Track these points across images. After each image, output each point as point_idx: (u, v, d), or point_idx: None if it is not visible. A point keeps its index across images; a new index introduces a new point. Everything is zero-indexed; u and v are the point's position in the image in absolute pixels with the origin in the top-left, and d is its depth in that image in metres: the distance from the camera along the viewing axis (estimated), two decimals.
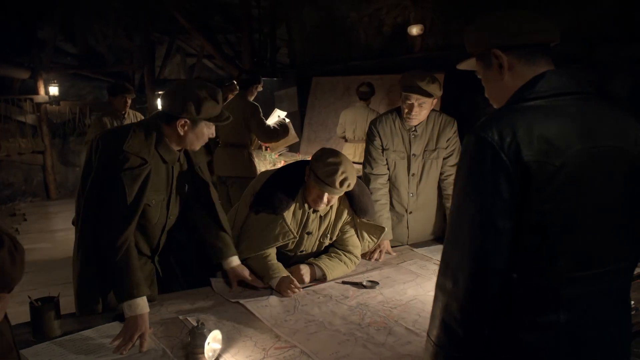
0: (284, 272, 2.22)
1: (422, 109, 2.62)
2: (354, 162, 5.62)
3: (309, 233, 2.36)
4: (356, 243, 2.46)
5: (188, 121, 1.97)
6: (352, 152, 5.89)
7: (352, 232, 2.44)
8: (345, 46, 7.45)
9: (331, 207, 2.34)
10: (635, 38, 4.09)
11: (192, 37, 8.77)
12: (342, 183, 2.14)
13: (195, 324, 1.85)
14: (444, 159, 2.76)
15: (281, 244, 2.29)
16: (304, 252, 2.41)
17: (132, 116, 5.19)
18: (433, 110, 2.71)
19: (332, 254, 2.41)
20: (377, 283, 2.25)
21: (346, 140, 6.01)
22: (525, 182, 1.07)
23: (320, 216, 2.35)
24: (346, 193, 2.30)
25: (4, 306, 1.22)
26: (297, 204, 2.30)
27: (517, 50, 1.20)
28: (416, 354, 1.67)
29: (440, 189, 2.84)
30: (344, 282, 2.28)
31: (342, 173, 2.13)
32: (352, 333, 1.81)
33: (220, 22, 8.67)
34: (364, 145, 5.69)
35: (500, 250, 1.09)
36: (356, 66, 7.12)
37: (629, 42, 4.17)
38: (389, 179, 2.79)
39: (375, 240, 2.53)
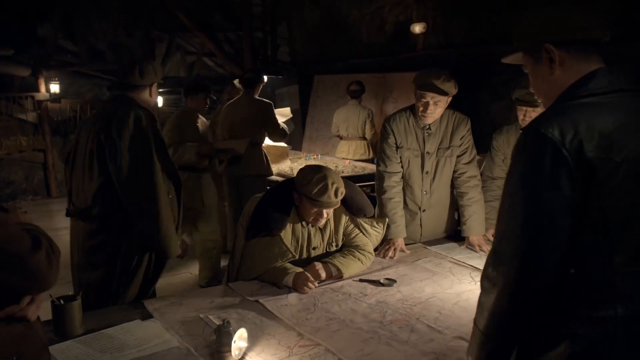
0: (298, 269, 2.23)
1: (437, 107, 2.63)
2: (349, 159, 5.74)
3: (314, 248, 2.38)
4: (365, 240, 2.47)
5: (156, 84, 2.58)
6: (347, 150, 6.03)
7: (356, 231, 2.46)
8: (346, 44, 7.45)
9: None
10: (636, 37, 4.12)
11: (193, 35, 8.75)
12: (336, 194, 2.20)
13: (219, 322, 1.86)
14: (458, 156, 2.78)
15: (280, 264, 2.27)
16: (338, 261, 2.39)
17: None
18: (446, 108, 2.72)
19: (346, 252, 2.41)
20: (394, 281, 2.26)
21: (341, 138, 6.13)
22: (586, 178, 1.08)
23: (320, 228, 2.38)
24: None
25: (38, 306, 1.22)
26: (295, 223, 2.32)
27: (569, 45, 1.20)
28: (440, 351, 1.68)
29: (453, 187, 2.86)
30: (361, 280, 2.29)
31: (333, 184, 2.18)
32: (375, 331, 1.82)
33: (220, 20, 8.65)
34: (358, 142, 5.87)
35: (556, 247, 1.11)
36: (358, 64, 7.12)
37: (630, 41, 4.19)
38: (402, 177, 2.81)
39: (380, 230, 2.53)
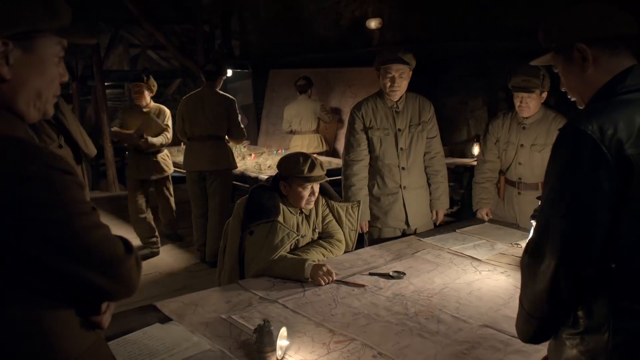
0: (312, 261, 2.29)
1: (402, 80, 2.83)
2: (315, 154, 5.85)
3: (303, 236, 2.50)
4: (336, 227, 2.62)
5: None
6: (300, 144, 6.05)
7: (330, 217, 2.61)
8: (302, 39, 7.43)
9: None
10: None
11: (139, 27, 8.43)
12: (322, 167, 2.40)
13: (244, 322, 1.85)
14: (430, 138, 2.99)
15: (288, 245, 2.36)
16: (302, 251, 2.48)
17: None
18: (409, 92, 2.94)
19: (319, 244, 2.54)
20: (403, 273, 2.30)
21: (293, 133, 6.16)
22: (626, 174, 1.10)
23: (306, 216, 2.51)
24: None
25: (111, 314, 1.17)
26: (285, 214, 2.42)
27: (600, 43, 1.23)
28: (472, 340, 1.73)
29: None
30: (371, 274, 2.32)
31: (317, 160, 2.39)
32: (404, 323, 1.85)
33: (168, 12, 8.39)
34: (311, 135, 6.00)
35: (595, 242, 1.13)
36: (313, 59, 7.12)
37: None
38: (377, 157, 2.95)
39: (353, 220, 2.65)
